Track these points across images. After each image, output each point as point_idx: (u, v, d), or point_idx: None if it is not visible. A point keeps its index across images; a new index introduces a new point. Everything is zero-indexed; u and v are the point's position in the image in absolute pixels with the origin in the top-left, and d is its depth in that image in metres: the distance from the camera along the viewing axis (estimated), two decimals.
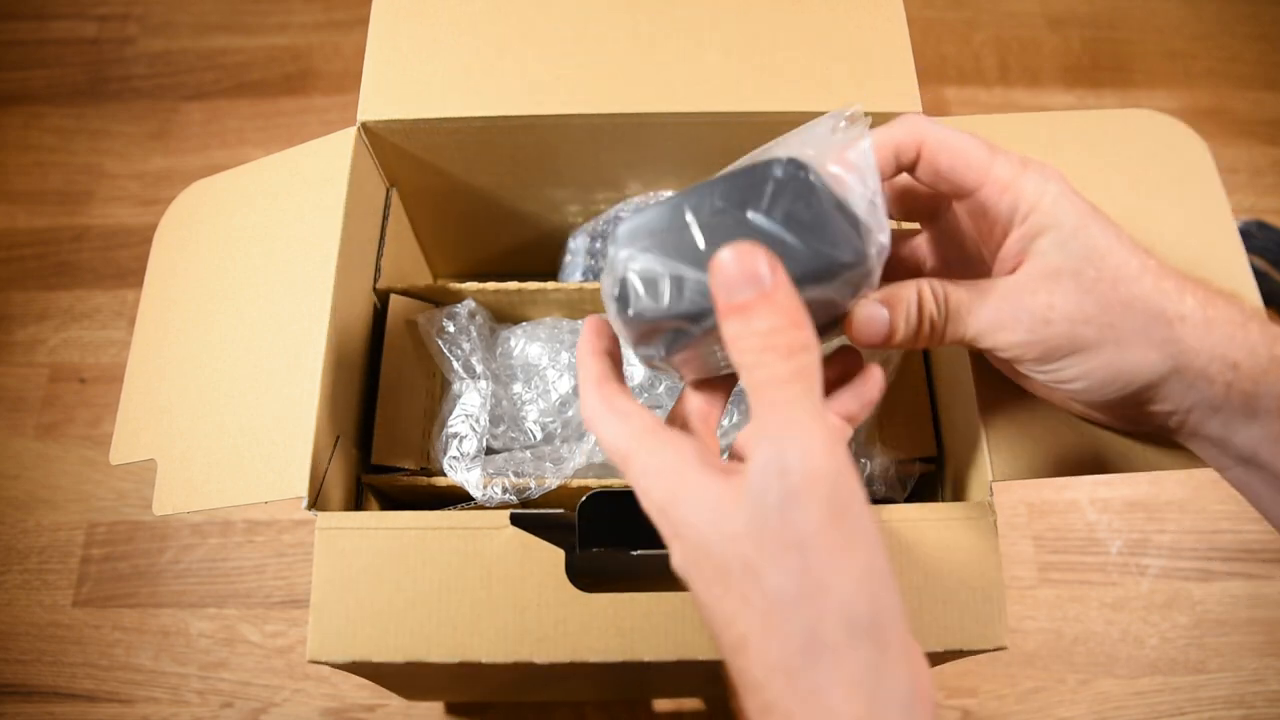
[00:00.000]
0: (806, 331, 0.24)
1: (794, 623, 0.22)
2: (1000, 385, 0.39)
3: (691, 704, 0.66)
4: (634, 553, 0.40)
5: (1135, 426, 0.36)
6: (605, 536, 0.41)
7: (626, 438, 0.27)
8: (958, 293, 0.31)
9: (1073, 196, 0.30)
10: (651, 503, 0.26)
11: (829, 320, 0.31)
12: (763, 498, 0.23)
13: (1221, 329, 0.30)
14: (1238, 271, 0.41)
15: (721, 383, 0.32)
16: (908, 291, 0.31)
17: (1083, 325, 0.30)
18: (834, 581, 0.22)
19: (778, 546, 0.22)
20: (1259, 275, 0.72)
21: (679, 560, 0.26)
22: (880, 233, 0.28)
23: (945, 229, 0.35)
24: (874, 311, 0.30)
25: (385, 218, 0.52)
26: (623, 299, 0.28)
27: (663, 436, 0.26)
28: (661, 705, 0.66)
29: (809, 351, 0.24)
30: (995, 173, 0.30)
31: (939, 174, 0.31)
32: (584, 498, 0.41)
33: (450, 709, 0.66)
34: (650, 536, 0.41)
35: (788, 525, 0.22)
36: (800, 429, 0.23)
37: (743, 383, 0.25)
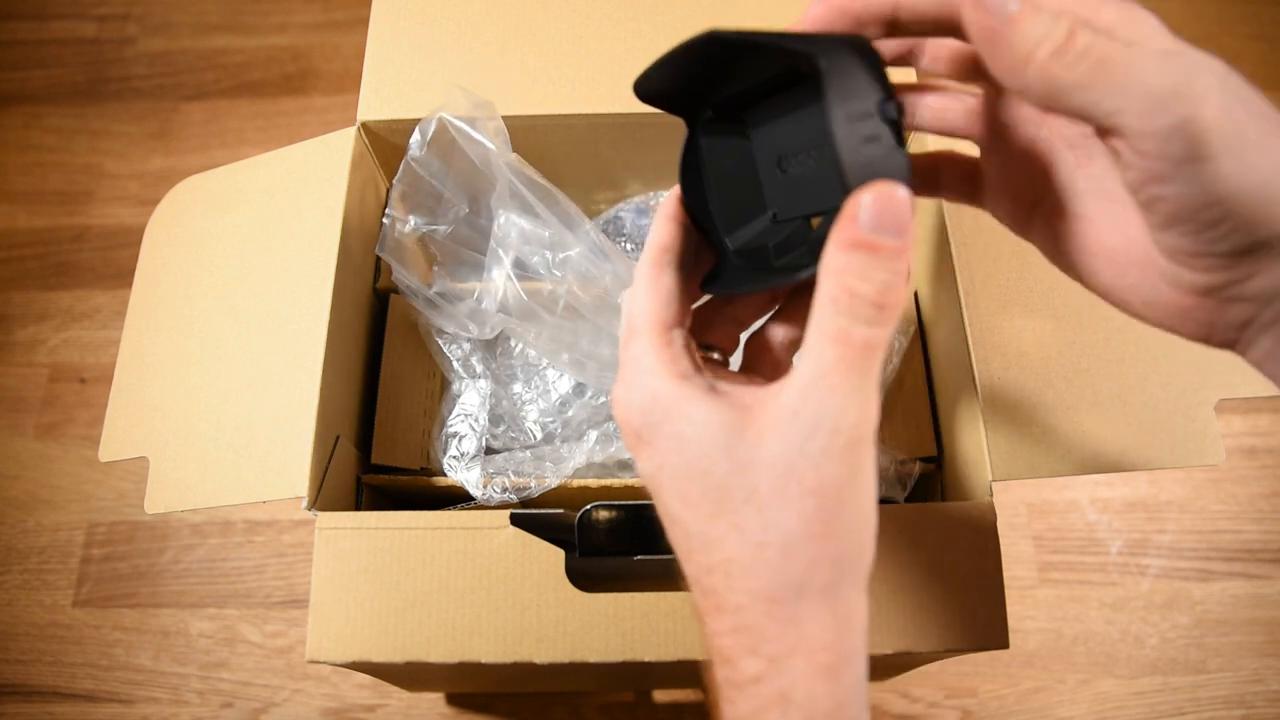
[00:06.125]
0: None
1: (793, 561, 0.23)
2: (1001, 385, 0.40)
3: (691, 695, 0.66)
4: (635, 559, 0.41)
5: (1213, 316, 0.24)
6: (605, 544, 0.41)
7: (656, 309, 0.26)
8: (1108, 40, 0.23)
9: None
10: (652, 400, 0.25)
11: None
12: (804, 443, 0.23)
13: None
14: None
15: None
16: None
17: (1224, 119, 0.21)
18: (841, 529, 0.23)
19: (799, 489, 0.23)
20: None
21: (652, 469, 0.25)
22: None
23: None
24: None
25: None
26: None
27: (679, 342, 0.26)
28: (661, 698, 0.66)
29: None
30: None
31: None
32: (582, 510, 0.41)
33: (450, 701, 0.66)
34: (649, 543, 0.42)
35: (817, 473, 0.23)
36: (864, 397, 0.23)
37: (821, 321, 0.23)
